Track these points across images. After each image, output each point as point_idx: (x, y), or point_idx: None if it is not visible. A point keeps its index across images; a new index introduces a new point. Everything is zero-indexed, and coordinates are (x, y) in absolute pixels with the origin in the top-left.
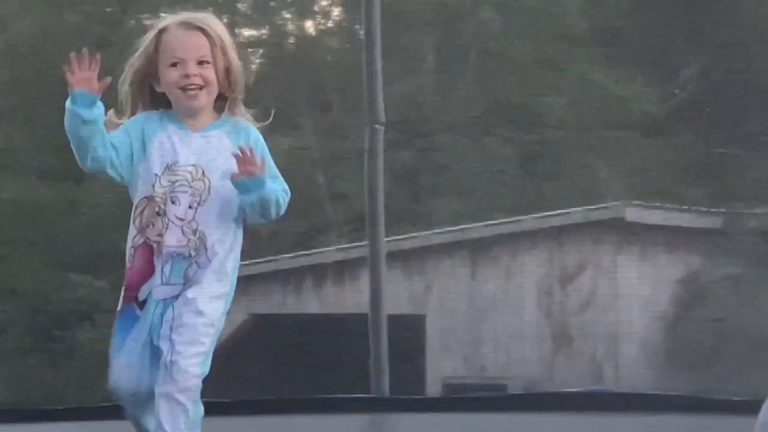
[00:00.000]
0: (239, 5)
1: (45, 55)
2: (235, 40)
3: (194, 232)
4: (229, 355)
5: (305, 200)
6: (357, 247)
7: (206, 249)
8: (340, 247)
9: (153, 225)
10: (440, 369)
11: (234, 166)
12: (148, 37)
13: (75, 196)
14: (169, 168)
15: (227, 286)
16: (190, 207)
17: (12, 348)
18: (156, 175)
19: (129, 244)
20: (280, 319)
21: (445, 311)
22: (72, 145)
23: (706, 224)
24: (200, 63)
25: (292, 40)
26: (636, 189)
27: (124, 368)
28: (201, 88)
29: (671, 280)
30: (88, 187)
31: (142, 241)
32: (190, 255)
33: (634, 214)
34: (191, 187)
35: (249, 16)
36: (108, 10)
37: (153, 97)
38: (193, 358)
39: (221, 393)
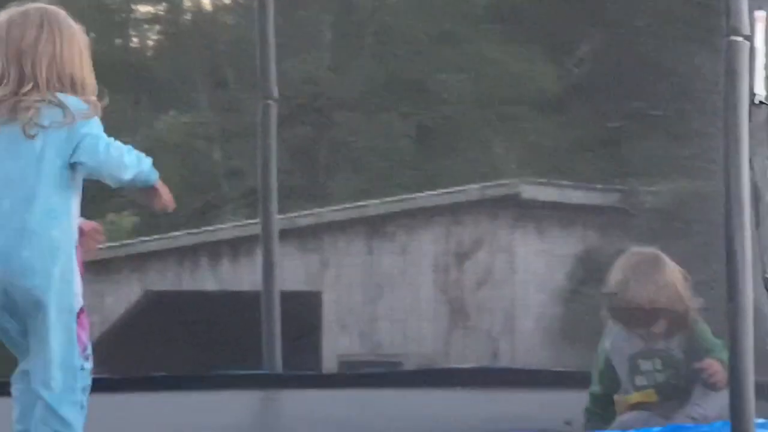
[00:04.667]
0: None
1: None
2: (131, 16)
3: None
4: (123, 332)
5: (201, 176)
6: (252, 224)
7: None
8: (236, 224)
9: None
10: (336, 346)
11: None
12: None
13: None
14: None
15: None
16: None
17: None
18: None
19: None
20: (174, 297)
21: (342, 288)
22: None
23: (601, 201)
24: None
25: (188, 16)
26: (532, 166)
27: None
28: None
29: (567, 257)
30: None
31: None
32: None
33: (530, 191)
34: None
35: None
36: None
37: None
38: None
39: (114, 370)
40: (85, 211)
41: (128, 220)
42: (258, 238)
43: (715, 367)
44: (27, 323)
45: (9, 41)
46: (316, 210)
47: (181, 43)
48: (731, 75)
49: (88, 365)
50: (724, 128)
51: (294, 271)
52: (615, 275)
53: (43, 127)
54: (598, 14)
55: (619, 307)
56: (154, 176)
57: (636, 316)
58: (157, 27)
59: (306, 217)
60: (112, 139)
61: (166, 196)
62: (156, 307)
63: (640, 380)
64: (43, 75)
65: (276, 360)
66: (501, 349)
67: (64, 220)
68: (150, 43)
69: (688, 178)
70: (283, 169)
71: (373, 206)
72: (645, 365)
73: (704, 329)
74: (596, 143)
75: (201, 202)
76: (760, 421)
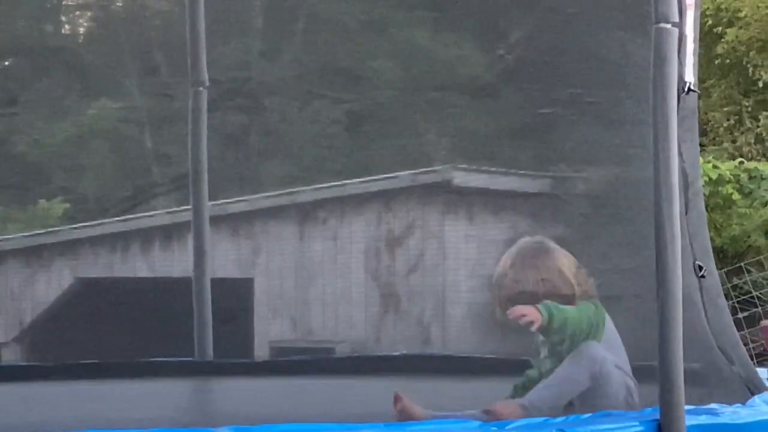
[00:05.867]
0: None
1: None
2: (62, 2)
3: None
4: (53, 319)
5: (132, 163)
6: (184, 210)
7: None
8: (167, 211)
9: None
10: (268, 332)
11: None
12: None
13: None
14: None
15: None
16: None
17: None
18: None
19: None
20: (106, 283)
21: (273, 274)
22: None
23: (532, 187)
24: None
25: (119, 2)
26: (464, 152)
27: None
28: None
29: (498, 242)
30: None
31: None
32: None
33: (461, 177)
34: None
35: None
36: None
37: None
38: None
39: (45, 357)
40: (16, 198)
41: (59, 206)
42: (189, 225)
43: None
44: None
45: None
46: (247, 196)
47: (111, 29)
48: (660, 62)
49: None
50: (653, 115)
51: (225, 257)
52: (500, 264)
53: None
54: (531, 1)
55: (506, 296)
56: None
57: (521, 303)
58: (89, 13)
59: (237, 203)
60: None
61: None
62: (87, 294)
63: (543, 365)
64: None
65: (207, 347)
66: (432, 335)
67: None
68: (81, 29)
69: (620, 164)
70: (213, 155)
71: (305, 192)
72: (543, 351)
73: (585, 314)
74: (528, 129)
75: (132, 189)
76: (690, 407)
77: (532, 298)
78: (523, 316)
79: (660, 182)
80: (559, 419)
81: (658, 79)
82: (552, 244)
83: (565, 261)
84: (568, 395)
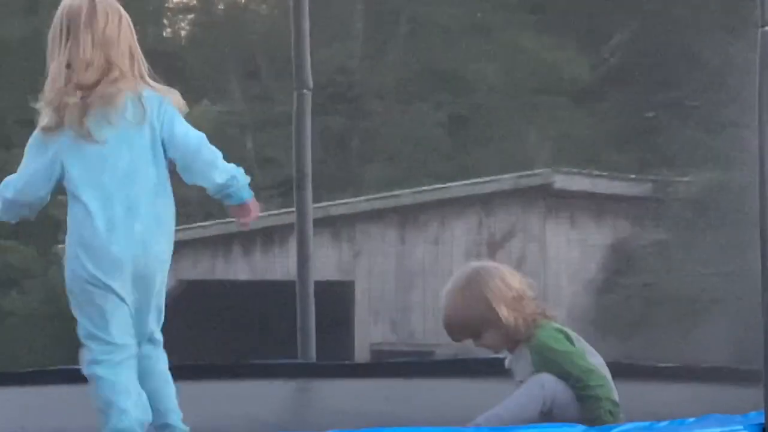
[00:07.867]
0: None
1: None
2: (164, 5)
3: None
4: None
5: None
6: (286, 213)
7: None
8: (269, 213)
9: None
10: (369, 335)
11: None
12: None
13: (4, 160)
14: None
15: None
16: None
17: None
18: None
19: None
20: (208, 286)
21: (374, 277)
22: None
23: (634, 191)
24: None
25: (221, 6)
26: (565, 155)
27: None
28: None
29: (600, 246)
30: (18, 153)
31: None
32: None
33: (562, 180)
34: None
35: None
36: None
37: None
38: None
39: None
40: None
41: None
42: (290, 228)
43: None
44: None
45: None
46: (349, 199)
47: (213, 33)
48: (766, 66)
49: None
50: (759, 118)
51: (327, 260)
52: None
53: None
54: (634, 4)
55: (448, 327)
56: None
57: (461, 334)
58: (190, 17)
59: (339, 206)
60: None
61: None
62: (189, 296)
63: None
64: None
65: (310, 349)
66: None
67: None
68: (183, 32)
69: (722, 168)
70: (315, 159)
71: (406, 196)
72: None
73: (545, 341)
74: (629, 133)
75: None
76: None
77: (467, 329)
78: None
79: (765, 185)
80: (663, 423)
81: (764, 82)
82: (487, 271)
83: (496, 290)
84: (516, 420)
